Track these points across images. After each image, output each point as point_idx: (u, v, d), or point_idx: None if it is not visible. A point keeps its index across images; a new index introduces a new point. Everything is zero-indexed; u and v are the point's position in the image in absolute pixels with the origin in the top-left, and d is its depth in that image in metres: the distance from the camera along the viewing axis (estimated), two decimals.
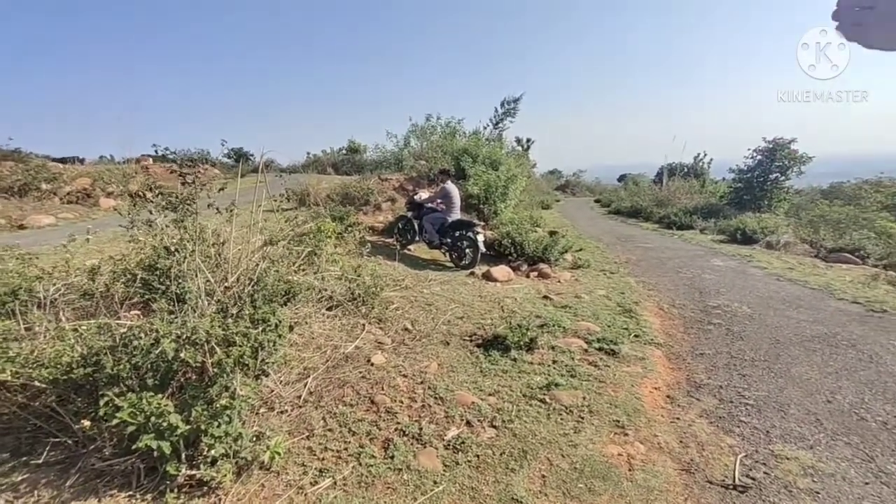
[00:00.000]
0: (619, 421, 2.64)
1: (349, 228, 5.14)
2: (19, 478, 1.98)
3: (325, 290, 3.47)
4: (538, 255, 6.94)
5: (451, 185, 6.85)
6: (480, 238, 6.41)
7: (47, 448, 2.07)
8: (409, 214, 7.16)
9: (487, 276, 5.90)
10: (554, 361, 3.39)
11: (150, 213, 2.74)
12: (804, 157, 15.32)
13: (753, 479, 2.19)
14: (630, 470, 2.21)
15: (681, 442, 2.49)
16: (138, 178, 10.42)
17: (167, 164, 11.41)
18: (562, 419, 2.63)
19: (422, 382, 2.96)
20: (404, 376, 3.01)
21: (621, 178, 40.81)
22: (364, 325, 3.68)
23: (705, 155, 27.74)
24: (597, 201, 28.22)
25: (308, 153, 22.21)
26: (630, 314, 4.67)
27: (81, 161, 14.90)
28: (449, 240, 6.56)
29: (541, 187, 27.12)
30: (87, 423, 1.94)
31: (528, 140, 26.91)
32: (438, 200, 6.80)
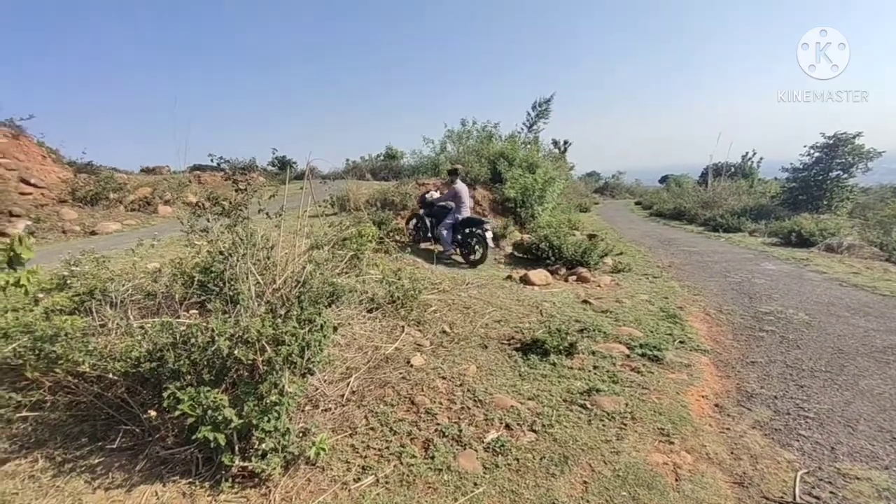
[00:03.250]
0: (663, 429, 2.55)
1: (389, 233, 5.26)
2: (96, 461, 2.17)
3: (366, 292, 3.57)
4: (577, 258, 6.82)
5: (460, 185, 7.00)
6: (489, 234, 6.62)
7: (119, 435, 2.25)
8: (422, 212, 7.38)
9: (525, 280, 5.86)
10: (595, 367, 3.33)
11: (207, 220, 2.93)
12: (871, 153, 14.18)
13: (817, 498, 2.05)
14: (677, 480, 2.14)
15: (732, 453, 2.37)
16: (192, 188, 11.15)
17: (219, 172, 12.10)
18: (603, 425, 2.58)
19: (461, 385, 2.99)
20: (443, 378, 3.05)
21: (663, 180, 39.41)
22: (403, 327, 3.75)
23: (754, 153, 26.34)
24: (637, 203, 27.38)
25: (347, 160, 22.89)
26: (674, 319, 4.50)
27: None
28: (459, 237, 6.78)
29: (579, 190, 26.61)
30: (153, 413, 2.10)
31: (566, 142, 26.49)
32: (447, 200, 7.00)
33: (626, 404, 2.80)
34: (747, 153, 26.34)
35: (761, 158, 26.24)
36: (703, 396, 3.00)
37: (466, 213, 6.93)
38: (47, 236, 7.87)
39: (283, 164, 18.22)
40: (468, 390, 2.92)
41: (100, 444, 2.29)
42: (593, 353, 3.56)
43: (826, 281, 6.26)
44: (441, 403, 2.76)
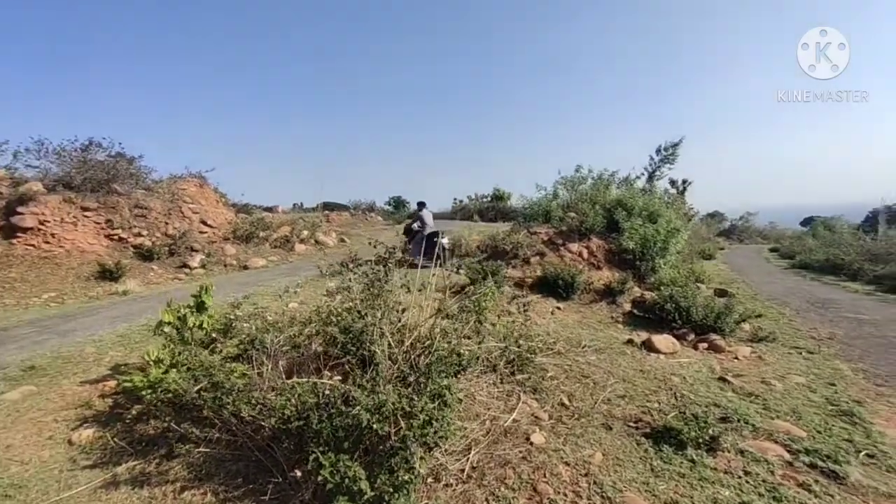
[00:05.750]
0: None
1: (501, 285, 5.29)
2: None
3: (486, 357, 3.56)
4: (708, 323, 6.05)
5: (425, 212, 10.07)
6: (444, 240, 8.92)
7: (269, 486, 2.49)
8: (406, 238, 10.08)
9: (648, 346, 5.35)
10: (746, 472, 2.83)
11: (350, 280, 3.25)
12: None
13: None
14: None
15: None
16: (323, 227, 12.66)
17: (345, 211, 13.50)
18: None
19: (586, 474, 2.76)
20: (566, 464, 2.85)
21: (806, 222, 33.96)
22: (520, 394, 3.65)
23: None
24: (773, 250, 23.70)
25: (455, 199, 23.93)
26: (851, 418, 3.65)
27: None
28: (427, 247, 9.06)
29: (699, 233, 24.02)
30: (298, 473, 2.30)
31: (685, 181, 24.27)
32: (418, 223, 9.91)
33: None
34: None
35: None
36: None
37: (429, 230, 9.70)
38: (213, 269, 9.47)
39: (397, 203, 19.74)
40: (595, 483, 2.68)
41: (251, 486, 2.57)
42: (741, 452, 3.04)
43: None
44: (566, 495, 2.57)
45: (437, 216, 16.76)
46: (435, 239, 9.14)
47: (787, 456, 3.05)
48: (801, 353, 5.50)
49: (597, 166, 10.90)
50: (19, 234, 8.29)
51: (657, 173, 12.52)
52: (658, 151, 12.62)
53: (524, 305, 4.08)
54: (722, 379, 4.50)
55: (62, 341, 4.87)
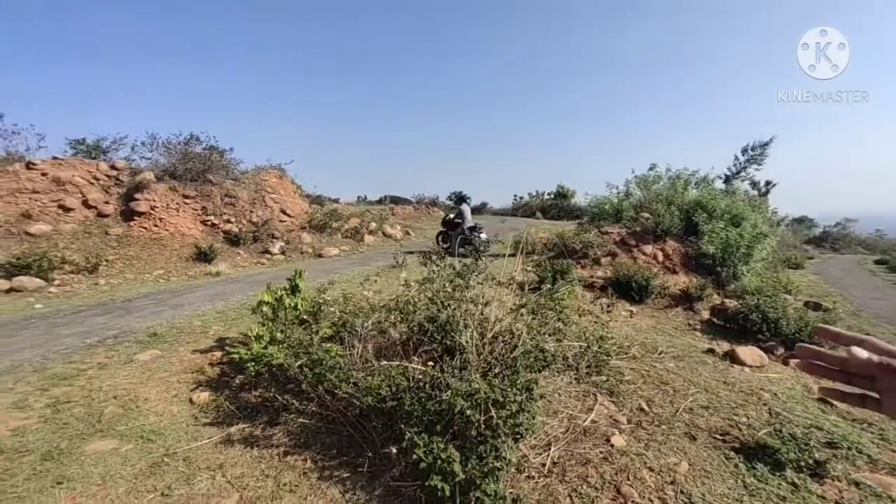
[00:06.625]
0: None
1: (573, 284, 5.22)
2: (345, 475, 2.62)
3: (565, 356, 3.55)
4: (801, 337, 5.53)
5: (465, 207, 10.80)
6: (483, 235, 9.84)
7: (365, 461, 2.67)
8: (444, 229, 10.99)
9: (732, 357, 5.01)
10: None
11: (432, 272, 3.38)
12: None
13: None
14: None
15: None
16: (390, 220, 13.14)
17: (408, 205, 13.87)
18: None
19: (672, 483, 2.68)
20: (650, 469, 2.78)
21: None
22: (595, 395, 3.60)
23: None
24: (880, 262, 20.92)
25: (515, 196, 23.60)
26: None
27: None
28: (467, 237, 9.73)
29: (786, 240, 21.80)
30: (394, 450, 2.45)
31: (768, 183, 22.10)
32: (458, 217, 10.59)
33: None
34: None
35: None
36: None
37: (469, 224, 10.33)
38: (291, 256, 10.17)
39: (459, 198, 19.91)
40: (682, 492, 2.60)
41: (345, 458, 2.77)
42: (856, 483, 2.78)
43: None
44: (651, 501, 2.52)
45: (497, 212, 17.22)
46: (474, 233, 9.97)
47: None
48: None
49: (675, 164, 10.24)
50: (135, 218, 9.44)
51: (743, 173, 11.50)
52: (744, 151, 11.56)
53: (607, 306, 3.98)
54: (822, 400, 4.12)
55: (174, 314, 5.51)
